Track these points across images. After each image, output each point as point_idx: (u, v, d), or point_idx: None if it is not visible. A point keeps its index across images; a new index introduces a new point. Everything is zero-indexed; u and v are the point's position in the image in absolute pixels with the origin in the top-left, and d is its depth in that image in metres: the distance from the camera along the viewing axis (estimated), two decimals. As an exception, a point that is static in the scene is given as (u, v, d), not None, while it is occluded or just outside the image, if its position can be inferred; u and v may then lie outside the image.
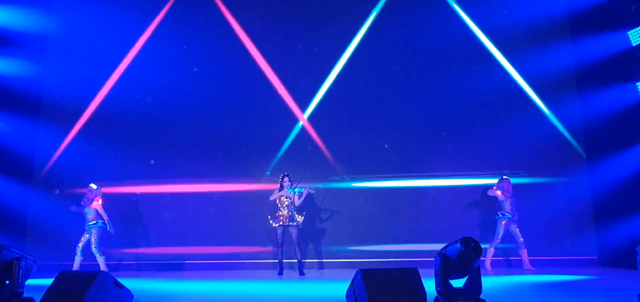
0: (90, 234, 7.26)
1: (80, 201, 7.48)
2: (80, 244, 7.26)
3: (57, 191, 7.42)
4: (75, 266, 7.22)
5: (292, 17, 9.01)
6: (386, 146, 8.59)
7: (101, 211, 7.28)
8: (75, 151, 8.57)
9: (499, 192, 7.51)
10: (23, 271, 4.31)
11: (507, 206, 7.48)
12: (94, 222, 7.27)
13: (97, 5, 8.81)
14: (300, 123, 8.73)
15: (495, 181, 7.74)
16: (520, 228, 7.46)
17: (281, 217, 7.52)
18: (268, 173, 8.51)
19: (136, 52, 8.86)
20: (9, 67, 8.12)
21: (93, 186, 7.41)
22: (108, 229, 7.32)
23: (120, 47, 8.87)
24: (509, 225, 7.45)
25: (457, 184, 8.41)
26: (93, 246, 7.25)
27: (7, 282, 4.25)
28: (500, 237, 7.46)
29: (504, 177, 7.63)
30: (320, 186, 8.30)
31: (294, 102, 8.79)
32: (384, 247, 8.29)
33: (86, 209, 7.30)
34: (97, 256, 7.28)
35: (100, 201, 7.29)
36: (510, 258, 8.02)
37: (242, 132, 8.72)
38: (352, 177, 8.53)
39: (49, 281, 4.23)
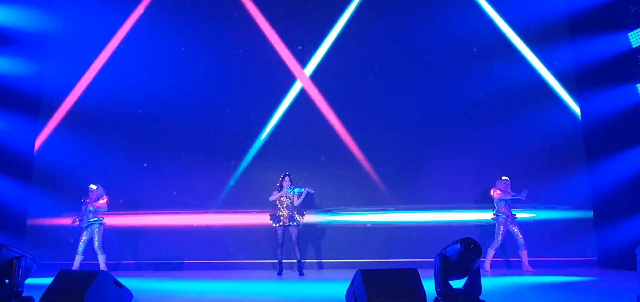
0: (93, 232, 7.27)
1: (79, 201, 7.50)
2: (81, 243, 7.27)
3: (83, 200, 7.47)
4: (76, 265, 7.22)
5: (292, 19, 9.03)
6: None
7: (104, 208, 7.31)
8: (75, 150, 8.57)
9: (498, 192, 7.52)
10: (23, 270, 4.30)
11: (503, 206, 7.48)
12: (95, 219, 7.30)
13: (97, 4, 8.82)
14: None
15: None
16: (520, 228, 7.46)
17: (281, 218, 7.51)
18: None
19: (136, 51, 8.86)
20: (9, 66, 8.12)
21: (93, 186, 7.41)
22: (101, 219, 7.36)
23: (121, 47, 8.87)
24: (507, 225, 7.45)
25: (456, 185, 8.43)
26: (96, 245, 7.27)
27: (7, 281, 4.24)
28: (500, 238, 7.46)
29: (503, 178, 7.63)
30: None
31: (296, 100, 8.83)
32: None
33: (88, 209, 7.31)
34: (99, 254, 7.29)
35: (105, 200, 7.33)
36: (510, 259, 8.03)
37: (242, 134, 8.73)
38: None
39: (48, 280, 4.22)
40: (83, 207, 7.37)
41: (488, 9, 8.80)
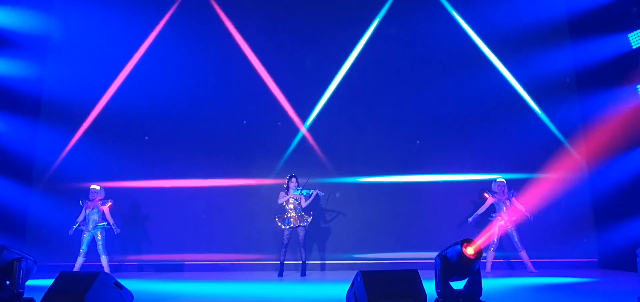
0: (96, 234, 7.28)
1: (79, 203, 7.50)
2: (83, 245, 7.27)
3: (81, 202, 7.50)
4: (77, 266, 7.22)
5: (293, 25, 9.04)
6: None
7: (108, 214, 7.34)
8: (75, 152, 8.58)
9: (490, 197, 7.51)
10: (23, 271, 4.30)
11: (501, 208, 7.45)
12: (103, 223, 7.34)
13: (97, 8, 8.84)
14: (302, 132, 8.76)
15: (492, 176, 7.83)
16: (520, 230, 7.44)
17: (290, 219, 7.51)
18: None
19: (137, 55, 8.89)
20: (10, 69, 8.14)
21: (96, 186, 7.43)
22: (115, 231, 7.37)
23: (120, 49, 8.90)
24: (505, 227, 7.41)
25: (456, 185, 8.42)
26: (100, 247, 7.29)
27: (8, 282, 4.25)
28: (496, 240, 7.43)
29: (497, 180, 7.61)
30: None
31: (296, 103, 8.86)
32: (384, 255, 8.29)
33: (90, 211, 7.31)
34: (102, 255, 7.31)
35: (109, 204, 7.35)
36: (511, 260, 8.02)
37: (242, 134, 8.75)
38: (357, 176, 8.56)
39: (49, 282, 4.23)
40: (86, 210, 7.36)
41: (489, 11, 8.79)
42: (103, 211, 7.38)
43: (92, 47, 8.85)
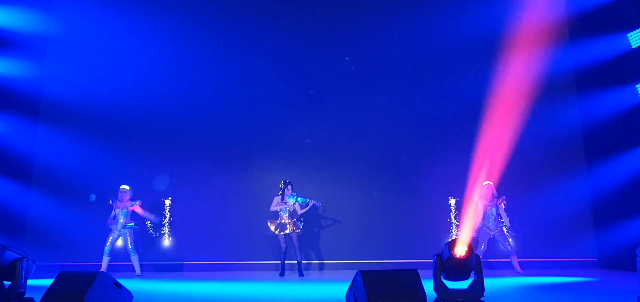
0: (125, 235, 7.34)
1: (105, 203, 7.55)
2: (108, 245, 7.29)
3: (94, 196, 7.50)
4: (104, 266, 7.23)
5: (290, 27, 9.03)
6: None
7: (142, 211, 7.47)
8: (75, 152, 8.58)
9: (476, 201, 7.39)
10: (24, 271, 4.31)
11: (489, 213, 7.34)
12: (131, 224, 7.42)
13: (97, 6, 8.82)
14: (301, 134, 8.76)
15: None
16: (517, 232, 7.40)
17: (286, 226, 7.52)
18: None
19: (137, 54, 8.86)
20: (9, 68, 8.13)
21: (126, 187, 7.46)
22: (153, 220, 7.61)
23: (120, 49, 8.87)
24: (487, 234, 7.29)
25: (455, 185, 8.40)
26: (130, 246, 7.38)
27: (9, 282, 4.25)
28: (482, 247, 7.29)
29: (484, 183, 7.50)
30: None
31: (296, 105, 8.86)
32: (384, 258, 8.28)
33: (119, 211, 7.34)
34: (133, 255, 7.40)
35: (139, 203, 7.46)
36: (489, 260, 7.97)
37: (242, 136, 8.74)
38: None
39: (48, 282, 4.22)
40: (115, 211, 7.38)
41: (488, 9, 8.78)
42: (131, 212, 7.43)
43: (92, 47, 8.83)
